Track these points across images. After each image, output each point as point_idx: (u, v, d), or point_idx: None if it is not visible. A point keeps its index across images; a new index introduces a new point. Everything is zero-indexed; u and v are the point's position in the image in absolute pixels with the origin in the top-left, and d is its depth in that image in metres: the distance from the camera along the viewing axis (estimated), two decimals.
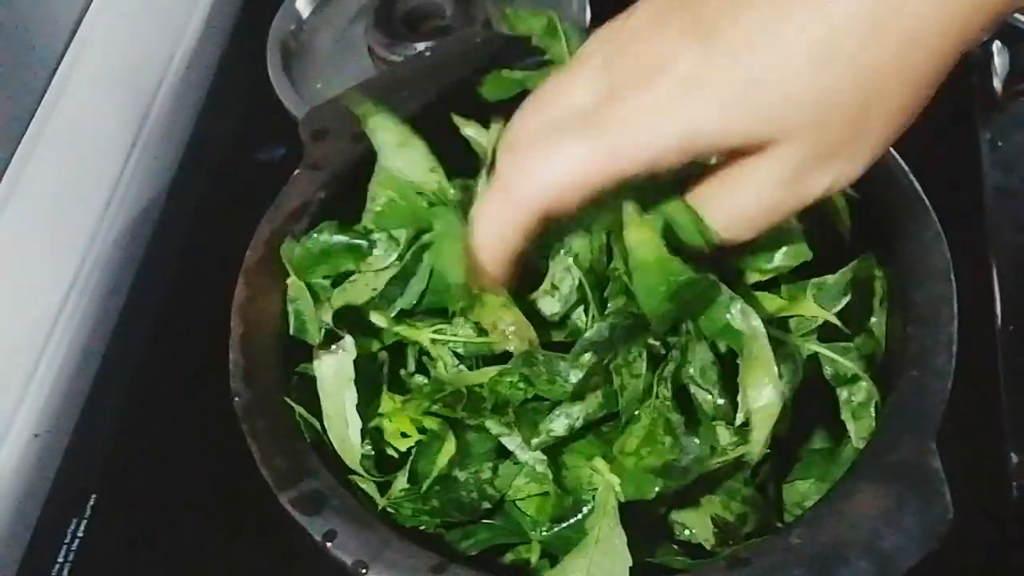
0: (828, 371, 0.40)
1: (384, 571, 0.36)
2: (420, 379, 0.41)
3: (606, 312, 0.38)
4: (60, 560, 0.50)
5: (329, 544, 0.37)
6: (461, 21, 0.64)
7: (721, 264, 0.37)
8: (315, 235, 0.41)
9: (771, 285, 0.39)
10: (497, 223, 0.34)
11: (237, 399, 0.41)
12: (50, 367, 0.57)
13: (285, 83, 0.66)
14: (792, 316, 0.39)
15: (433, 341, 0.39)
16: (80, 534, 0.51)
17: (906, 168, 0.44)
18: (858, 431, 0.40)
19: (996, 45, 0.63)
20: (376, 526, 0.37)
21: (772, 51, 0.29)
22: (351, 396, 0.39)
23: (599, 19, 0.47)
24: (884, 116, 0.30)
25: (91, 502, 0.52)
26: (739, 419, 0.36)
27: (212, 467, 0.51)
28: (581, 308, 0.39)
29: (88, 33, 0.62)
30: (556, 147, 0.32)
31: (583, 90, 0.32)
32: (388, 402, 0.40)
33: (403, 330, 0.40)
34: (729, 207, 0.33)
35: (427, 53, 0.53)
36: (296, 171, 0.47)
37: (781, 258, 0.38)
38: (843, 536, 0.35)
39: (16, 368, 0.55)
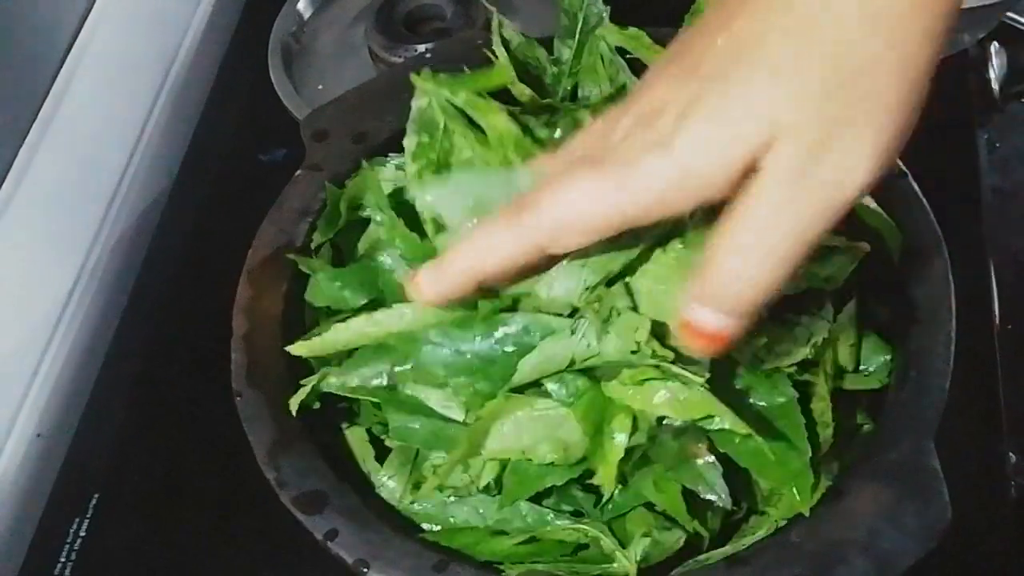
0: None
1: (385, 570, 0.36)
2: None
3: None
4: (62, 560, 0.50)
5: (330, 543, 0.37)
6: (461, 23, 0.64)
7: None
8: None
9: None
10: (490, 243, 0.34)
11: (239, 398, 0.41)
12: (53, 367, 0.57)
13: (286, 85, 0.66)
14: None
15: None
16: (82, 534, 0.51)
17: (905, 169, 0.45)
18: None
19: (994, 46, 0.63)
20: (377, 525, 0.38)
21: (758, 62, 0.29)
22: None
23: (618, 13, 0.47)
24: (872, 96, 0.29)
25: (93, 502, 0.52)
26: None
27: (214, 467, 0.51)
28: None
29: (90, 35, 0.62)
30: (565, 183, 0.32)
31: (598, 139, 0.34)
32: None
33: None
34: (752, 258, 0.31)
35: (427, 55, 0.53)
36: (297, 172, 0.48)
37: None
38: (842, 535, 0.35)
39: (19, 368, 0.55)
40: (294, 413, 0.40)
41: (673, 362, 0.36)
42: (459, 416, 0.38)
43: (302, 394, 0.40)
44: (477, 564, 0.38)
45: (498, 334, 0.37)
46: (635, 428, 0.37)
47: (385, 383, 0.40)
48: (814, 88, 0.29)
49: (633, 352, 0.36)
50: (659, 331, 0.36)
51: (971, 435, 0.48)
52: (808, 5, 0.29)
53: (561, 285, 0.37)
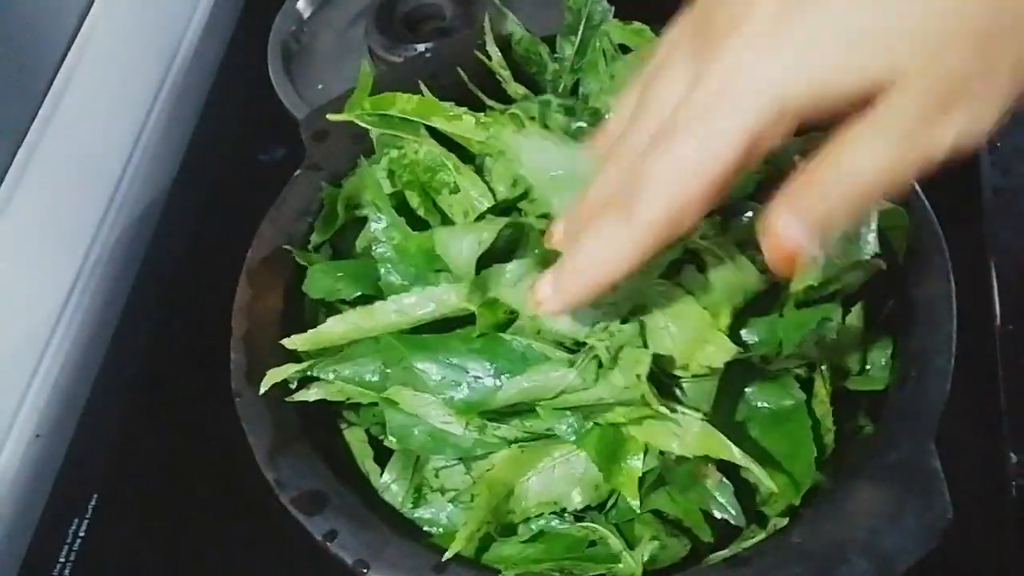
0: None
1: (385, 570, 0.36)
2: None
3: None
4: (61, 560, 0.50)
5: (330, 544, 0.37)
6: (461, 23, 0.64)
7: None
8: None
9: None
10: (616, 249, 0.30)
11: (239, 399, 0.41)
12: (52, 367, 0.57)
13: (286, 84, 0.66)
14: None
15: None
16: (82, 534, 0.51)
17: None
18: None
19: None
20: (377, 526, 0.38)
21: None
22: None
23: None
24: (1018, 44, 0.25)
25: (92, 502, 0.52)
26: None
27: (213, 467, 0.51)
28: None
29: (89, 34, 0.62)
30: (668, 156, 0.28)
31: (671, 86, 0.29)
32: None
33: None
34: (845, 182, 0.28)
35: (427, 54, 0.53)
36: (297, 172, 0.48)
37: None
38: (843, 535, 0.35)
39: (18, 368, 0.55)
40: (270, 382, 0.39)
41: (675, 400, 0.36)
42: (459, 431, 0.38)
43: (287, 372, 0.40)
44: (477, 565, 0.38)
45: (493, 353, 0.37)
46: (646, 451, 0.37)
47: (377, 379, 0.39)
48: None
49: (627, 388, 0.35)
50: (665, 366, 0.36)
51: (972, 435, 0.48)
52: None
53: (567, 321, 0.37)
